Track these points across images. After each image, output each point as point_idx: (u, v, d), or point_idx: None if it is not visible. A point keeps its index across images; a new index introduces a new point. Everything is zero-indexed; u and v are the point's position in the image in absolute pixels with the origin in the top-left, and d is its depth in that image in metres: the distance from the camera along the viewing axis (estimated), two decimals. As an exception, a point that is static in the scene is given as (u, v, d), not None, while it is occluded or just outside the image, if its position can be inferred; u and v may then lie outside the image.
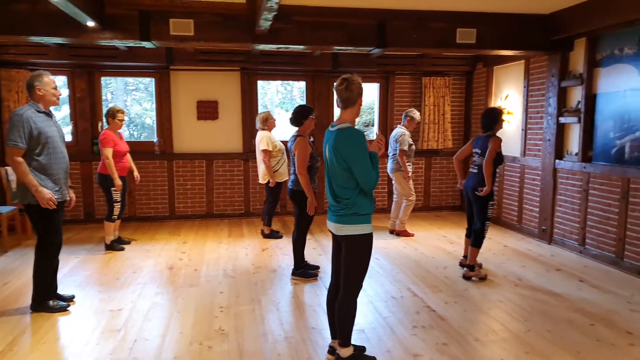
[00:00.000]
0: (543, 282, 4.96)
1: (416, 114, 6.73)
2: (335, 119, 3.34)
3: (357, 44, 5.75)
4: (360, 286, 3.22)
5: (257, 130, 6.62)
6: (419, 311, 4.24)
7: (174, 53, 7.26)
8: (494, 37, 5.94)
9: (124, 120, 5.98)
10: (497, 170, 4.97)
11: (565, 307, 4.33)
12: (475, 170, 4.96)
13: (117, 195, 5.93)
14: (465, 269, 5.12)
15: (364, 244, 3.12)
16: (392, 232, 7.04)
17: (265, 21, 4.97)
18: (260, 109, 8.21)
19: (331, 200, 3.19)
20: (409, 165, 6.70)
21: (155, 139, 7.89)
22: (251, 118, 7.97)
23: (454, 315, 4.15)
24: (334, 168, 3.11)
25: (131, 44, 5.72)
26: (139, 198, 7.85)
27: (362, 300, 4.44)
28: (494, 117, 4.92)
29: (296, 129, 4.96)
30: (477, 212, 4.94)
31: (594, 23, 5.27)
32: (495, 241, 6.65)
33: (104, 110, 7.61)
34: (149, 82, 13.17)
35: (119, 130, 6.03)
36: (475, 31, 5.85)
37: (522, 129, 7.02)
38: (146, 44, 5.57)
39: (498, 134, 4.95)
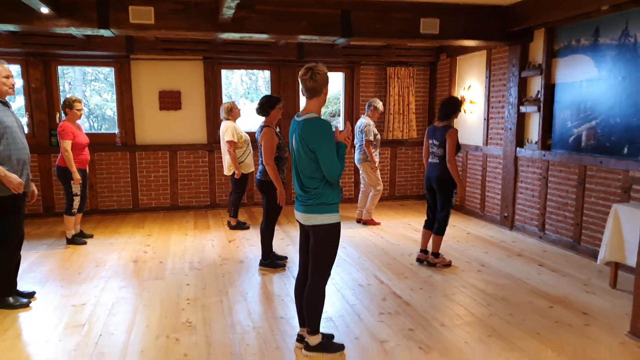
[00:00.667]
0: (505, 267, 5.11)
1: (379, 104, 6.77)
2: (301, 108, 3.32)
3: (322, 34, 5.74)
4: (328, 275, 3.24)
5: (222, 121, 6.53)
6: (385, 298, 4.30)
7: (135, 42, 7.06)
8: (457, 27, 6.02)
9: (82, 110, 5.80)
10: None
11: (525, 290, 4.47)
12: (437, 161, 4.96)
13: (76, 189, 5.77)
14: (425, 263, 5.19)
15: (332, 234, 3.13)
16: (359, 221, 7.10)
17: (228, 9, 4.89)
18: (225, 99, 8.11)
19: (298, 191, 3.18)
20: (376, 155, 6.76)
21: (116, 131, 7.69)
22: (215, 108, 7.87)
23: (419, 301, 4.23)
24: (300, 158, 3.10)
25: (89, 32, 5.54)
26: (100, 191, 7.65)
27: (329, 288, 4.47)
28: (455, 106, 4.93)
29: (263, 119, 4.92)
30: (442, 200, 4.99)
31: (552, 15, 5.41)
32: (459, 228, 6.80)
33: (62, 101, 7.39)
34: (108, 72, 12.81)
35: (78, 122, 5.85)
36: (439, 21, 5.92)
37: (485, 119, 7.17)
38: (105, 32, 5.41)
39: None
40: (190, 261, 5.35)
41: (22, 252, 4.17)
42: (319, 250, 3.16)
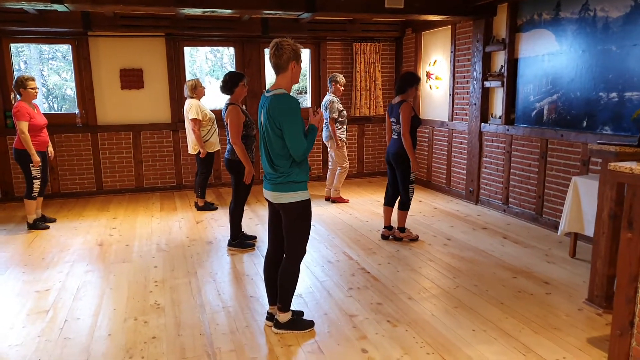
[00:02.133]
0: (470, 240, 5.23)
1: (340, 77, 6.68)
2: (267, 85, 3.27)
3: (286, 8, 5.63)
4: (303, 252, 3.25)
5: (186, 99, 6.40)
6: (354, 273, 4.35)
7: (92, 17, 6.78)
8: (421, 2, 6.00)
9: (37, 89, 5.54)
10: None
11: (490, 262, 4.59)
12: (396, 136, 4.98)
13: (36, 172, 5.59)
14: (390, 238, 5.25)
15: (303, 210, 3.13)
16: (327, 199, 7.12)
17: (189, -16, 4.74)
18: (189, 77, 7.93)
19: (267, 169, 3.14)
20: (343, 131, 6.75)
21: (76, 111, 7.44)
22: (179, 86, 7.69)
23: (387, 275, 4.29)
24: (268, 135, 3.05)
25: (41, 7, 5.27)
26: (62, 173, 7.43)
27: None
28: (409, 80, 4.90)
29: (228, 97, 4.83)
30: (401, 176, 5.02)
31: (515, -11, 5.45)
32: (426, 203, 6.90)
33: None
34: (67, 50, 12.33)
35: (35, 102, 5.63)
36: (404, -4, 5.89)
37: (450, 94, 7.23)
38: (58, 7, 5.15)
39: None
40: (158, 243, 5.28)
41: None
42: (292, 227, 3.16)
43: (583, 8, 5.03)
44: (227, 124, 4.69)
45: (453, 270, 4.40)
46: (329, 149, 6.96)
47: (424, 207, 6.69)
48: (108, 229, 5.82)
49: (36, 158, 5.47)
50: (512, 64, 6.05)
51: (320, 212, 6.46)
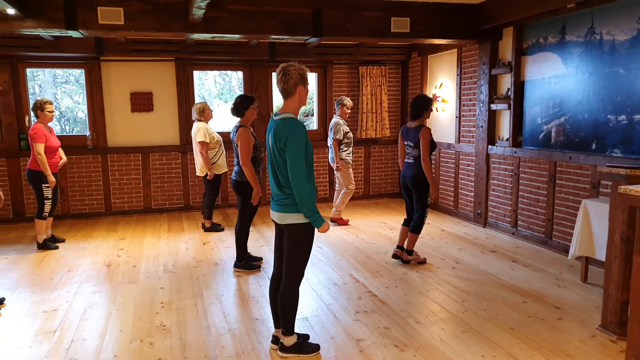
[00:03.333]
0: (479, 264, 5.18)
1: (347, 101, 6.76)
2: (275, 108, 3.32)
3: (293, 33, 5.72)
4: (302, 274, 3.23)
5: (194, 122, 6.47)
6: (361, 296, 4.31)
7: (104, 43, 6.93)
8: (427, 26, 6.08)
9: (53, 112, 5.68)
10: (433, 156, 5.06)
11: (499, 286, 4.54)
12: (412, 160, 4.98)
13: (47, 192, 5.65)
14: (400, 259, 5.20)
15: (306, 233, 3.12)
16: (333, 220, 7.10)
17: (198, 9, 4.83)
18: (198, 100, 8.03)
19: (275, 190, 3.16)
20: (349, 153, 6.77)
21: (87, 133, 7.54)
22: (188, 109, 7.77)
23: (394, 299, 4.25)
24: (275, 157, 3.08)
25: (57, 34, 5.42)
26: (72, 194, 7.49)
27: (305, 288, 4.47)
28: (424, 104, 4.92)
29: (238, 119, 4.88)
30: (417, 200, 5.02)
31: (520, 12, 5.50)
32: (433, 226, 6.86)
33: (30, 104, 7.22)
34: (79, 74, 12.56)
35: (49, 124, 5.73)
36: (409, 20, 5.96)
37: (456, 116, 7.26)
38: (73, 34, 5.29)
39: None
40: (165, 264, 5.28)
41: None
42: (293, 249, 3.16)
43: (589, 32, 5.06)
44: (237, 146, 4.73)
45: (461, 294, 4.35)
46: (335, 171, 6.97)
47: (432, 229, 6.65)
48: (116, 250, 5.83)
49: (52, 178, 5.55)
50: (519, 86, 6.07)
51: (326, 234, 6.43)
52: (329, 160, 6.98)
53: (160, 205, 7.90)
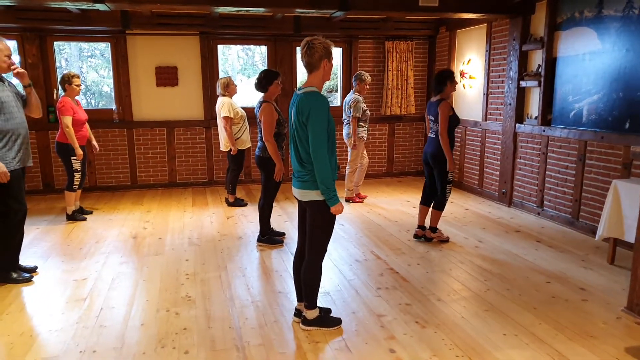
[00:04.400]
0: (502, 243, 5.12)
1: (366, 76, 6.62)
2: (298, 83, 3.29)
3: (319, 7, 5.63)
4: (324, 250, 3.24)
5: (218, 96, 6.47)
6: (382, 273, 4.32)
7: (130, 16, 6.93)
8: (457, 0, 5.92)
9: (80, 85, 5.76)
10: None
11: (523, 266, 4.49)
12: (433, 135, 4.93)
13: (77, 165, 5.77)
14: (422, 238, 5.19)
15: (327, 210, 3.10)
16: (347, 200, 6.97)
17: (224, -18, 4.79)
18: (221, 75, 8.03)
19: (296, 166, 3.15)
20: (365, 130, 6.69)
21: (113, 107, 7.63)
22: (212, 84, 7.78)
23: (416, 276, 4.25)
24: (297, 133, 3.07)
25: (84, 6, 5.43)
26: (99, 167, 7.63)
27: (327, 264, 4.50)
28: (443, 79, 4.84)
29: (261, 94, 4.86)
30: (438, 176, 4.98)
31: (555, -14, 5.31)
32: (457, 205, 6.80)
33: (58, 77, 7.31)
34: (104, 48, 12.65)
35: (77, 98, 5.81)
36: (439, -6, 5.81)
37: (484, 94, 7.10)
38: (100, 6, 5.29)
39: (454, 97, 4.90)
40: (189, 237, 5.36)
41: (24, 228, 4.19)
42: (315, 225, 3.17)
43: (627, 6, 4.85)
44: (260, 121, 4.72)
45: (484, 273, 4.32)
46: (349, 148, 6.89)
47: (456, 208, 6.60)
48: (142, 222, 5.94)
49: (79, 151, 5.65)
50: (550, 63, 5.89)
51: (348, 211, 6.44)
52: (344, 137, 6.88)
53: (185, 179, 7.99)
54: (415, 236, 5.23)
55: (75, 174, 5.79)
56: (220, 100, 6.35)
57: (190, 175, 8.01)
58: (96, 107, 12.99)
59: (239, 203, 6.75)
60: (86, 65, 14.52)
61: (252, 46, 13.85)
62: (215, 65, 7.93)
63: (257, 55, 15.51)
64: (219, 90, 6.43)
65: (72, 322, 3.41)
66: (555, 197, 5.88)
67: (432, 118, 4.91)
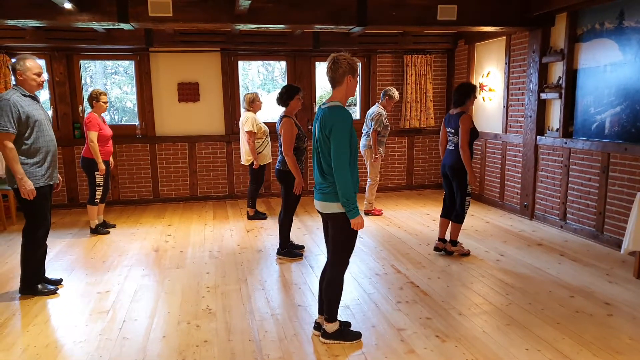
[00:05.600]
0: (524, 257, 5.06)
1: (395, 93, 6.67)
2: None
3: (338, 23, 5.71)
4: (346, 263, 3.27)
5: (243, 111, 6.57)
6: (402, 287, 4.30)
7: (153, 34, 7.13)
8: (475, 13, 5.93)
9: (107, 102, 5.94)
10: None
11: (545, 280, 4.43)
12: (452, 148, 4.92)
13: (99, 180, 5.90)
14: (442, 251, 5.15)
15: (348, 223, 3.12)
16: (366, 213, 6.98)
17: (244, 0, 4.90)
18: (242, 90, 8.16)
19: (318, 179, 3.19)
20: (382, 145, 6.70)
21: (136, 123, 7.80)
22: (233, 99, 7.92)
23: (437, 290, 4.21)
24: (321, 146, 3.11)
25: (109, 26, 5.60)
26: (122, 182, 7.79)
27: (346, 277, 4.48)
28: (467, 92, 4.85)
29: (283, 109, 4.94)
30: (457, 188, 4.95)
31: (574, -2, 5.29)
32: (478, 218, 6.74)
33: (84, 94, 7.54)
34: (128, 65, 12.97)
35: (102, 115, 5.98)
36: (456, 7, 5.83)
37: (504, 106, 7.07)
38: (124, 26, 5.47)
39: (473, 110, 4.90)
40: (210, 250, 5.42)
41: (49, 241, 4.31)
42: (337, 238, 3.20)
43: (648, 16, 4.81)
44: (280, 135, 4.78)
45: (506, 287, 4.27)
46: (365, 160, 6.89)
47: (476, 221, 6.54)
48: (164, 236, 6.03)
49: (102, 166, 5.79)
50: (571, 74, 5.85)
51: (368, 224, 6.43)
52: (360, 148, 6.86)
53: (206, 193, 8.09)
54: (436, 249, 5.20)
55: (97, 188, 5.93)
56: (245, 115, 6.44)
57: (211, 189, 8.11)
58: (119, 123, 13.28)
59: (258, 216, 6.80)
60: (110, 82, 14.89)
61: (272, 62, 14.02)
62: (236, 81, 8.06)
63: (276, 71, 15.70)
64: (244, 105, 6.54)
65: (96, 334, 3.48)
66: (578, 209, 5.79)
67: (452, 130, 4.90)
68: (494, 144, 7.39)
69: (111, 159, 6.24)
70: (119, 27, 5.51)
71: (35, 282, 4.19)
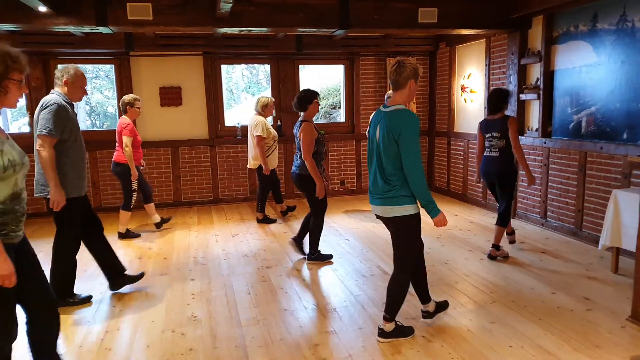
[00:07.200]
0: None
1: None
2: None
3: (320, 26, 5.73)
4: (413, 264, 3.36)
5: (254, 114, 6.52)
6: (388, 288, 4.33)
7: (134, 38, 7.07)
8: (455, 16, 6.01)
9: (141, 108, 6.03)
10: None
11: (528, 277, 4.50)
12: (496, 154, 4.87)
13: (135, 185, 5.98)
14: (491, 248, 5.07)
15: (412, 224, 3.21)
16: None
17: (225, 4, 4.89)
18: (225, 94, 8.13)
19: (379, 183, 3.21)
20: None
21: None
22: (216, 103, 7.89)
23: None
24: (385, 149, 3.13)
25: (87, 30, 5.55)
26: (104, 188, 7.71)
27: (333, 280, 4.54)
28: (503, 98, 4.90)
29: (301, 114, 4.90)
30: (505, 193, 4.92)
31: (551, 1, 5.39)
32: (462, 217, 6.82)
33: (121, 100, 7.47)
34: (109, 69, 12.83)
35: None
36: (437, 10, 5.90)
37: (485, 107, 7.16)
38: (103, 30, 5.42)
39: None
40: (195, 256, 5.40)
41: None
42: (402, 240, 3.29)
43: (621, 19, 4.93)
44: (299, 139, 4.78)
45: (490, 285, 4.33)
46: None
47: (460, 221, 6.62)
48: (147, 242, 5.98)
49: (135, 171, 5.84)
50: (548, 76, 5.96)
51: (355, 226, 6.47)
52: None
53: (190, 198, 8.05)
54: (490, 256, 5.06)
55: (132, 193, 5.98)
56: (255, 119, 6.41)
57: (195, 194, 8.07)
58: (101, 128, 13.13)
59: (268, 221, 6.77)
60: (91, 86, 14.72)
61: (255, 65, 14.00)
62: (219, 84, 8.04)
63: (261, 74, 15.67)
64: (256, 108, 6.51)
65: (76, 346, 3.42)
66: (558, 207, 5.89)
67: (498, 134, 4.84)
68: (476, 145, 7.47)
69: (143, 161, 6.26)
70: (98, 30, 5.46)
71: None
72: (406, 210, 3.15)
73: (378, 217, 3.34)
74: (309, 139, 4.70)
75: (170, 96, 7.78)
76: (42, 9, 4.90)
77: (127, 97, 5.93)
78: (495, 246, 5.04)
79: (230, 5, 4.99)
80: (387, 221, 3.28)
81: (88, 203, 4.19)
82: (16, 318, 2.47)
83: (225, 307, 4.02)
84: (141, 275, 4.49)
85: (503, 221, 4.98)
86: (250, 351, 3.28)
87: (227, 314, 3.88)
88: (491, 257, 5.04)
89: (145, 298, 4.25)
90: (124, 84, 7.62)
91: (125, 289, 4.45)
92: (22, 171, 2.39)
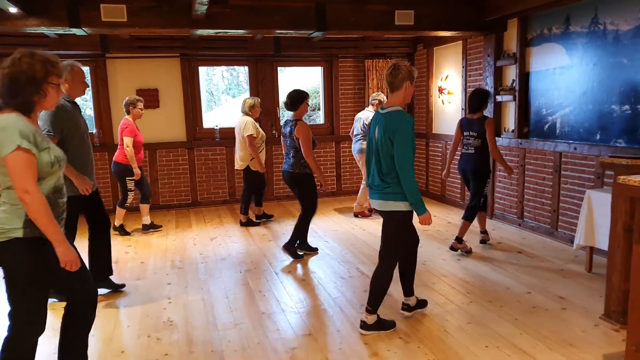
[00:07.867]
0: (485, 255, 5.18)
1: (383, 97, 6.69)
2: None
3: (297, 28, 5.73)
4: (397, 258, 3.49)
5: (240, 115, 6.51)
6: (366, 289, 4.28)
7: (109, 40, 6.96)
8: (431, 18, 6.06)
9: (143, 109, 6.05)
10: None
11: (504, 277, 4.55)
12: (472, 151, 5.09)
13: (131, 184, 6.07)
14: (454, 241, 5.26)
15: (403, 220, 3.37)
16: (355, 215, 7.06)
17: (200, 5, 4.85)
18: (205, 96, 8.07)
19: (377, 180, 3.37)
20: None
21: (94, 131, 7.61)
22: (194, 105, 7.82)
23: (400, 291, 4.23)
24: (382, 149, 3.27)
25: (60, 31, 5.46)
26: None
27: (311, 282, 4.53)
28: (483, 98, 5.07)
29: (291, 113, 5.03)
30: (476, 189, 5.13)
31: (525, 3, 5.47)
32: (440, 218, 6.86)
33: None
34: (85, 72, 12.63)
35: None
36: (413, 13, 5.94)
37: (462, 108, 7.23)
38: (76, 31, 5.33)
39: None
40: (172, 260, 5.33)
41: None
42: (390, 232, 3.43)
43: (592, 22, 5.02)
44: (296, 139, 4.83)
45: (467, 286, 4.36)
46: (359, 164, 6.93)
47: (438, 221, 6.66)
48: (124, 247, 5.89)
49: (137, 171, 5.90)
50: (524, 77, 6.04)
51: (334, 228, 6.47)
52: (353, 152, 6.95)
53: (168, 201, 7.96)
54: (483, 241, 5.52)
55: (129, 192, 6.05)
56: (243, 120, 6.39)
57: (173, 197, 7.98)
58: (77, 131, 12.89)
59: (251, 223, 6.73)
60: (67, 89, 14.46)
61: (236, 67, 13.94)
62: (197, 87, 7.97)
63: (241, 76, 15.58)
64: (244, 109, 6.50)
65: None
66: (534, 208, 5.97)
67: (475, 134, 5.05)
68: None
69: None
70: (71, 32, 5.37)
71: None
72: (399, 206, 3.31)
73: (377, 211, 3.49)
74: (307, 137, 4.85)
75: (147, 98, 7.65)
76: (13, 10, 4.80)
77: (129, 98, 6.00)
78: (459, 239, 5.18)
79: (206, 7, 4.95)
80: (383, 214, 3.43)
81: (98, 201, 4.32)
82: (46, 310, 2.57)
83: (202, 311, 3.97)
84: (122, 286, 4.48)
85: (470, 215, 5.15)
86: (227, 355, 3.25)
87: (204, 318, 3.84)
88: (453, 248, 5.20)
89: (121, 303, 4.18)
90: (100, 86, 7.51)
91: (100, 291, 4.36)
92: (64, 166, 2.60)
